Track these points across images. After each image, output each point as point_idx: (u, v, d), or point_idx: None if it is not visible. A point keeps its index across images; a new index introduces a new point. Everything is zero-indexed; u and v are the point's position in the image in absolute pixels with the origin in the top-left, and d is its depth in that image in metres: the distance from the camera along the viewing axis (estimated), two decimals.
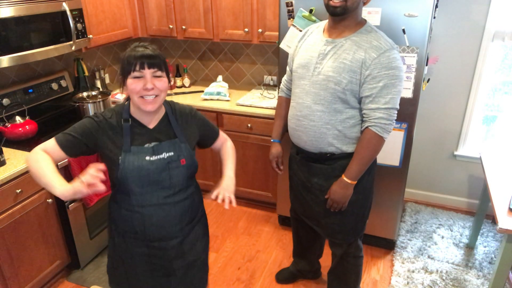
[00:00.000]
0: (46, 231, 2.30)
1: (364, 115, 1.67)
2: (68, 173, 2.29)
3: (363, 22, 1.68)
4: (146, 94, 1.30)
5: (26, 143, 2.32)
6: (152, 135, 1.41)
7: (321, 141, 1.74)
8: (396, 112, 1.65)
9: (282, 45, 2.42)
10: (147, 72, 1.28)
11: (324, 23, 1.77)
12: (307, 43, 1.78)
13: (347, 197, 1.75)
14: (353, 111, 1.69)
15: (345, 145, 1.74)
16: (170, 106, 1.48)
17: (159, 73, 1.31)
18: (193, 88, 3.38)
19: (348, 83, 1.62)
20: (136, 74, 1.28)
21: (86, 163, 2.35)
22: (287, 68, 1.97)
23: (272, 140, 2.04)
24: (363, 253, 2.06)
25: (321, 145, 1.76)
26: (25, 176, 2.10)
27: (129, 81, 1.30)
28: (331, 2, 1.58)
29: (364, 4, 1.65)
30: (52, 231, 2.34)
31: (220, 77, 3.24)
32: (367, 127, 1.65)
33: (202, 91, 3.18)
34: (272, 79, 3.31)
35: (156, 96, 1.32)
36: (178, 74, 3.42)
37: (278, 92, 2.07)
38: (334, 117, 1.69)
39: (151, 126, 1.42)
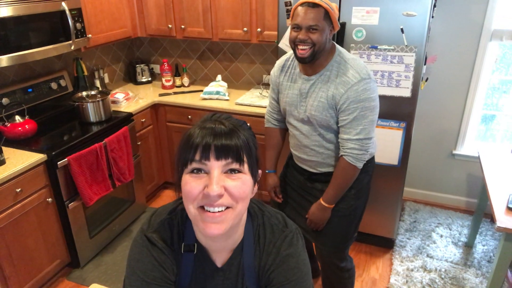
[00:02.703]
0: (46, 230, 2.30)
1: (339, 143, 1.70)
2: (67, 173, 2.29)
3: (333, 50, 1.66)
4: (208, 204, 0.79)
5: (26, 143, 2.32)
6: (217, 279, 0.93)
7: (325, 165, 1.81)
8: (370, 141, 1.66)
9: (281, 45, 2.42)
10: (214, 165, 0.77)
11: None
12: (287, 79, 1.78)
13: (324, 219, 1.80)
14: None
15: None
16: (254, 222, 0.92)
17: (235, 165, 0.79)
18: (192, 88, 3.39)
19: (331, 118, 1.67)
20: (195, 165, 0.79)
21: (85, 163, 2.36)
22: (269, 98, 1.94)
23: (267, 171, 2.03)
24: (352, 265, 2.05)
25: (325, 168, 1.81)
26: (25, 175, 2.10)
27: (185, 180, 0.80)
28: (298, 51, 1.59)
29: (330, 35, 1.62)
30: (52, 230, 2.34)
31: (219, 77, 3.24)
32: (341, 156, 1.69)
33: (201, 91, 3.19)
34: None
35: (228, 208, 0.80)
36: (177, 74, 3.42)
37: (265, 123, 2.03)
38: (331, 145, 1.75)
39: (219, 262, 0.93)
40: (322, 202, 1.77)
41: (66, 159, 2.25)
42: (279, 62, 1.84)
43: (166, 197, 3.42)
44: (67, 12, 2.40)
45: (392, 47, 2.15)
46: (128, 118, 2.79)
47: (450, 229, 2.92)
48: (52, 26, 2.36)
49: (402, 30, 2.10)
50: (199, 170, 0.78)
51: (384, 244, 2.76)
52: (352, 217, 1.85)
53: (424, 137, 3.10)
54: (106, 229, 2.74)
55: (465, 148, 3.03)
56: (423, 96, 2.97)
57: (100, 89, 3.08)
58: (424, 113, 3.02)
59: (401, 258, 2.64)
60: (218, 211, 0.78)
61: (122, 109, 2.88)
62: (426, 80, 2.89)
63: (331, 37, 1.63)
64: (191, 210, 0.80)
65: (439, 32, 2.77)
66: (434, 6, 2.18)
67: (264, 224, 0.94)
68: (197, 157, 0.77)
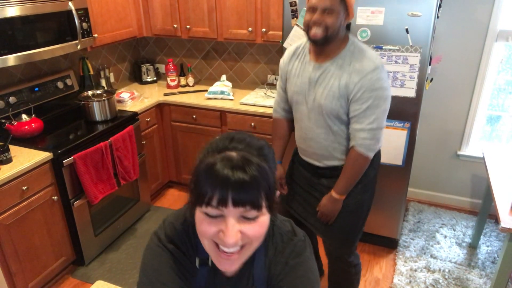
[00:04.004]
0: (51, 228, 2.32)
1: (350, 134, 1.69)
2: (73, 171, 2.31)
3: (346, 40, 1.66)
4: (222, 244, 0.77)
5: (32, 141, 2.34)
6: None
7: (331, 158, 1.79)
8: (382, 131, 1.66)
9: (286, 44, 2.43)
10: (231, 212, 0.74)
11: (306, 40, 1.75)
12: (296, 67, 1.77)
13: (336, 211, 1.80)
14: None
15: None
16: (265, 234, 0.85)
17: (253, 213, 0.75)
18: (197, 87, 3.40)
19: (341, 108, 1.65)
20: (210, 211, 0.75)
21: (91, 161, 2.38)
22: (278, 87, 1.94)
23: None
24: (359, 261, 2.05)
25: (332, 161, 1.80)
26: (31, 174, 2.13)
27: (199, 215, 0.78)
28: (311, 31, 1.59)
29: (345, 23, 1.62)
30: (57, 228, 2.37)
31: (224, 76, 3.26)
32: (352, 147, 1.68)
33: (206, 90, 3.20)
34: (275, 78, 3.32)
35: (243, 247, 0.79)
36: (182, 73, 3.44)
37: (273, 113, 2.03)
38: (338, 137, 1.73)
39: (229, 272, 0.93)
40: (333, 193, 1.75)
41: (72, 157, 2.27)
42: (289, 50, 1.84)
43: (171, 196, 3.43)
44: (74, 12, 2.43)
45: (397, 47, 2.15)
46: (133, 117, 2.81)
47: (454, 230, 2.92)
48: (59, 26, 2.39)
49: (407, 30, 2.10)
50: (214, 216, 0.75)
51: (388, 244, 2.76)
52: (360, 212, 1.85)
53: (428, 137, 3.10)
54: (111, 227, 2.76)
55: (470, 149, 3.02)
56: (428, 96, 2.96)
57: (105, 88, 3.10)
58: (429, 113, 3.02)
59: (404, 258, 2.64)
60: (233, 250, 0.77)
61: (127, 108, 2.90)
62: (431, 81, 2.89)
63: (345, 24, 1.62)
64: (205, 242, 0.79)
65: (444, 32, 2.76)
66: (440, 6, 2.18)
67: (274, 235, 0.93)
68: (214, 203, 0.73)
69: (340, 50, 1.64)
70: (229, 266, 0.79)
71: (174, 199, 3.39)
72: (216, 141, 0.80)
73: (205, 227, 0.76)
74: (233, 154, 0.75)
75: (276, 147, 2.00)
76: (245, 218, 0.75)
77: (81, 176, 2.34)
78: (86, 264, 2.60)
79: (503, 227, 1.78)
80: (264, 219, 0.78)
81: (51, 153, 2.22)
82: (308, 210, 1.94)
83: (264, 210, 0.76)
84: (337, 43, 1.64)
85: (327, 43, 1.61)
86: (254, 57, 3.34)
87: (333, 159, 1.79)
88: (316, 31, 1.57)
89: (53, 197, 2.29)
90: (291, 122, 1.96)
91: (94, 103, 2.61)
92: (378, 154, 1.86)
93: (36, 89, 2.61)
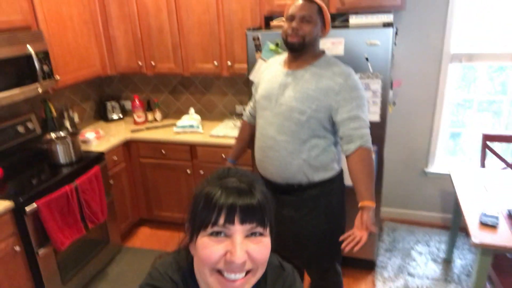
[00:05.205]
0: (14, 280, 2.17)
1: (347, 137, 1.66)
2: (37, 218, 2.19)
3: (321, 53, 1.75)
4: (229, 270, 0.74)
5: None
6: None
7: (287, 171, 1.74)
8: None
9: (252, 77, 2.46)
10: (238, 229, 0.74)
11: (285, 55, 1.83)
12: (268, 75, 1.82)
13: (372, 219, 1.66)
14: (317, 140, 1.71)
15: (310, 174, 1.74)
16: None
17: (259, 229, 0.76)
18: (165, 122, 3.37)
19: (313, 112, 1.66)
20: (217, 229, 0.74)
21: (56, 206, 2.27)
22: (252, 97, 2.01)
23: (228, 160, 2.10)
24: (341, 277, 2.03)
25: (288, 176, 1.75)
26: None
27: (202, 241, 0.75)
28: (289, 38, 1.67)
29: (321, 37, 1.73)
30: (21, 281, 2.21)
31: (192, 110, 3.25)
32: (360, 147, 1.64)
33: (174, 124, 3.17)
34: (244, 109, 3.35)
35: (249, 272, 0.77)
36: (150, 109, 3.40)
37: (243, 116, 2.12)
38: (299, 147, 1.70)
39: None
40: (366, 203, 1.61)
41: (35, 204, 2.16)
42: (264, 64, 1.93)
43: (142, 235, 3.32)
44: (33, 55, 2.37)
45: (358, 75, 2.23)
46: (99, 157, 2.73)
47: (429, 246, 2.97)
48: (18, 70, 2.32)
49: (367, 58, 2.19)
50: (218, 233, 0.74)
51: (366, 266, 2.76)
52: (333, 239, 1.80)
53: (396, 157, 3.18)
54: (81, 273, 2.61)
55: (436, 166, 3.12)
56: (392, 118, 3.07)
57: (70, 129, 3.01)
58: (395, 134, 3.12)
59: (383, 279, 2.65)
60: (239, 277, 0.75)
61: (93, 149, 2.82)
62: (394, 104, 2.99)
63: (322, 36, 1.72)
64: (207, 275, 0.76)
65: (403, 57, 2.90)
66: (396, 33, 2.30)
67: (265, 270, 0.91)
68: (221, 221, 0.73)
69: (315, 60, 1.71)
70: None
71: (146, 238, 3.27)
72: (212, 174, 0.83)
73: (210, 250, 0.73)
74: (235, 179, 0.78)
75: (235, 147, 2.12)
76: (251, 236, 0.75)
77: (45, 223, 2.22)
78: None
79: (474, 242, 1.82)
80: (267, 241, 0.78)
81: (12, 201, 2.10)
82: (279, 242, 1.90)
83: (268, 230, 0.78)
84: (313, 53, 1.71)
85: (304, 51, 1.68)
86: (222, 89, 3.37)
87: (291, 173, 1.73)
88: (294, 38, 1.64)
89: (15, 248, 2.15)
90: (255, 127, 1.97)
91: (57, 145, 2.52)
92: (336, 179, 1.81)
93: None
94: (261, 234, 0.76)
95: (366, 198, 1.63)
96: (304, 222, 1.81)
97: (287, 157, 1.72)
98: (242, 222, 0.73)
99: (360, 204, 1.64)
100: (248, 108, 2.07)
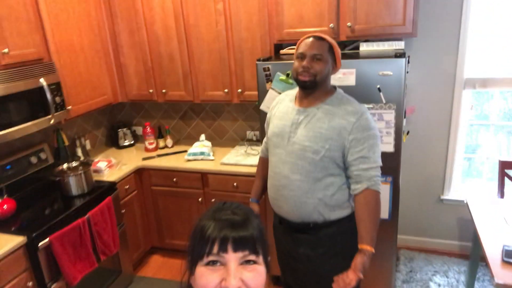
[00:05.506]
0: None
1: (355, 177, 1.64)
2: (49, 253, 2.18)
3: (333, 90, 1.72)
4: None
5: (4, 224, 2.21)
6: None
7: (302, 210, 1.71)
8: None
9: (262, 107, 2.45)
10: (232, 257, 0.78)
11: (296, 90, 1.81)
12: (279, 111, 1.80)
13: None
14: (332, 178, 1.68)
15: (327, 213, 1.71)
16: None
17: (252, 257, 0.80)
18: (176, 148, 3.36)
19: (327, 151, 1.63)
20: (212, 258, 0.78)
21: (68, 241, 2.26)
22: (265, 130, 1.97)
23: (250, 200, 2.04)
24: None
25: (303, 215, 1.72)
26: (3, 262, 1.99)
27: (200, 271, 0.80)
28: (300, 76, 1.64)
29: (332, 73, 1.71)
30: None
31: (203, 136, 3.24)
32: (366, 188, 1.62)
33: (186, 151, 3.16)
34: (255, 134, 3.33)
35: None
36: (161, 135, 3.41)
37: (260, 153, 2.08)
38: (313, 186, 1.67)
39: None
40: (366, 247, 1.60)
41: (47, 239, 2.15)
42: (278, 97, 1.90)
43: (154, 264, 3.28)
44: (46, 87, 2.39)
45: (371, 105, 2.19)
46: (111, 187, 2.73)
47: (447, 277, 2.87)
48: (31, 103, 2.34)
49: (379, 89, 2.16)
50: (215, 262, 0.78)
51: None
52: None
53: (411, 185, 3.11)
54: None
55: (452, 193, 3.04)
56: (406, 147, 3.01)
57: (82, 158, 3.03)
58: (409, 163, 3.05)
59: None
60: None
61: (105, 178, 2.82)
62: (408, 133, 2.94)
63: (333, 73, 1.70)
64: None
65: (416, 84, 2.85)
66: (408, 62, 2.26)
67: None
68: (215, 250, 0.78)
69: (327, 97, 1.69)
70: None
71: (158, 266, 3.24)
72: (209, 208, 0.87)
73: (206, 279, 0.78)
74: (230, 211, 0.83)
75: (255, 186, 2.04)
76: (245, 263, 0.79)
77: (58, 258, 2.21)
78: None
79: (497, 283, 1.75)
80: (262, 269, 0.81)
81: (25, 237, 2.09)
82: (297, 278, 1.87)
83: (261, 259, 0.81)
84: (324, 91, 1.69)
85: (316, 88, 1.66)
86: (232, 115, 3.36)
87: (306, 212, 1.70)
88: (305, 76, 1.62)
89: (28, 284, 2.14)
90: None
91: (70, 177, 2.53)
92: (345, 220, 1.75)
93: (8, 167, 2.52)
94: (254, 262, 0.80)
95: (365, 241, 1.62)
96: (321, 262, 1.77)
97: (302, 196, 1.69)
98: (235, 250, 0.78)
99: (359, 246, 1.63)
100: (264, 144, 2.03)
